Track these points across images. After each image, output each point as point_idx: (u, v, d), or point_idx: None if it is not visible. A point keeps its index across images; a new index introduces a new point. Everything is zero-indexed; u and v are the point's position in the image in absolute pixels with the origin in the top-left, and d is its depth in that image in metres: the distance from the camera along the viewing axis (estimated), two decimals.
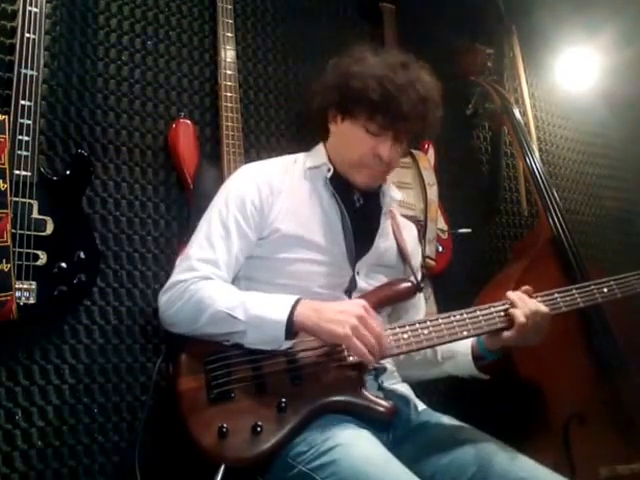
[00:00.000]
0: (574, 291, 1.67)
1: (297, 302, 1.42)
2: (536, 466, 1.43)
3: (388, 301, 1.61)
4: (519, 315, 1.53)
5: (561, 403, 2.14)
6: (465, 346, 1.63)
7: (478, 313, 1.55)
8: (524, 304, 1.55)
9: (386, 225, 1.70)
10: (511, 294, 1.58)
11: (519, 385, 2.15)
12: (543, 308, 1.57)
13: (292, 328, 1.40)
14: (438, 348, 1.65)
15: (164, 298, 1.50)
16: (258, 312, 1.40)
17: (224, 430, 1.33)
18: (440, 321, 1.52)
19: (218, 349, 1.44)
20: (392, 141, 1.56)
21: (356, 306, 1.41)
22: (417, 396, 1.65)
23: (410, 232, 1.81)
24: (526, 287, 1.60)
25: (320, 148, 1.69)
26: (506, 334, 1.54)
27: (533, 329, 1.54)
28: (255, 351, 1.43)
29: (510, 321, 1.54)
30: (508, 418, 2.14)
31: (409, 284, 1.60)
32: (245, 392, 1.39)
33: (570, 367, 2.19)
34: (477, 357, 1.62)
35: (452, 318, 1.53)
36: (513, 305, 1.56)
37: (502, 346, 1.59)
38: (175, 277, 1.51)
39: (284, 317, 1.39)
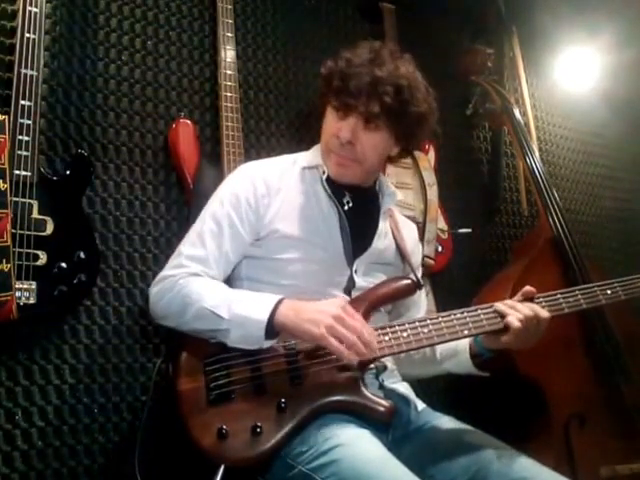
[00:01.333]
0: (577, 292, 1.66)
1: (280, 302, 1.41)
2: (537, 466, 1.42)
3: (388, 298, 1.60)
4: (513, 320, 1.50)
5: (561, 402, 2.14)
6: (463, 344, 1.62)
7: (479, 312, 1.54)
8: (515, 311, 1.52)
9: (385, 224, 1.70)
10: (498, 305, 1.54)
11: (519, 384, 2.14)
12: (543, 313, 1.54)
13: (273, 328, 1.40)
14: (437, 346, 1.64)
15: (154, 290, 1.52)
16: (241, 311, 1.40)
17: (224, 431, 1.33)
18: (440, 320, 1.51)
19: (218, 350, 1.43)
20: (353, 122, 1.53)
21: (334, 305, 1.40)
22: (417, 395, 1.65)
23: (410, 231, 1.81)
24: (529, 288, 1.58)
25: (318, 148, 1.68)
26: (504, 338, 1.53)
27: (531, 332, 1.52)
28: (254, 352, 1.42)
29: (506, 326, 1.51)
30: (508, 418, 2.14)
31: (409, 281, 1.60)
32: (245, 393, 1.39)
33: (571, 367, 2.19)
34: (474, 355, 1.61)
35: (452, 317, 1.52)
36: (502, 315, 1.52)
37: (500, 348, 1.58)
38: (165, 272, 1.52)
39: (265, 317, 1.39)
